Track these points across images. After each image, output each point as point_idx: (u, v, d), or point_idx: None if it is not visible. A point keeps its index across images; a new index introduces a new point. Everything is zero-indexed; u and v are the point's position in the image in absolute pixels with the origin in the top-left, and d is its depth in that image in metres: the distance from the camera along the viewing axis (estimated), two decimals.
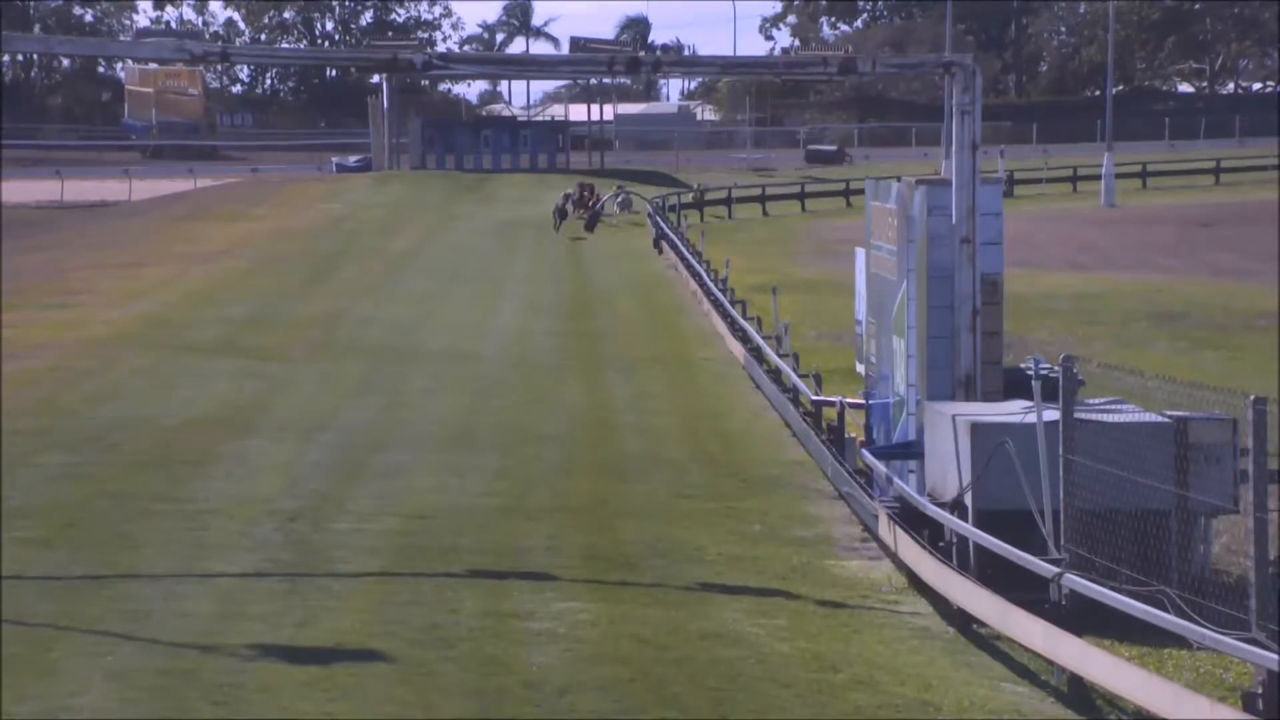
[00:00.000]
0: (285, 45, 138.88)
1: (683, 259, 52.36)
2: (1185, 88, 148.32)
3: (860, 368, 25.84)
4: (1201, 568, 17.46)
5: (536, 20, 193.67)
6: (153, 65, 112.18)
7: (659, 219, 63.37)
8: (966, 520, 18.19)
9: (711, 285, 43.98)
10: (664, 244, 59.34)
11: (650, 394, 32.20)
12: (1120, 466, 15.63)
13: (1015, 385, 20.81)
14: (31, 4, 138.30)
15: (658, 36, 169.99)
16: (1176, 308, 44.56)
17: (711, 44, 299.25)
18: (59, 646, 15.29)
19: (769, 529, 21.48)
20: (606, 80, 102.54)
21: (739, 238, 65.51)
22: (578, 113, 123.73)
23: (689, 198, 76.33)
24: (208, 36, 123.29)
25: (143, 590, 17.35)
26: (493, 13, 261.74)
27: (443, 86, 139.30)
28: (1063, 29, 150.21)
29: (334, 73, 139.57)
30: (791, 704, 14.35)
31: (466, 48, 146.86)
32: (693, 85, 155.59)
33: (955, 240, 21.67)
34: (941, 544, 18.62)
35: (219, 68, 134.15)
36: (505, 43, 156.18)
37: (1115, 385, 17.14)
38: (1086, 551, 15.47)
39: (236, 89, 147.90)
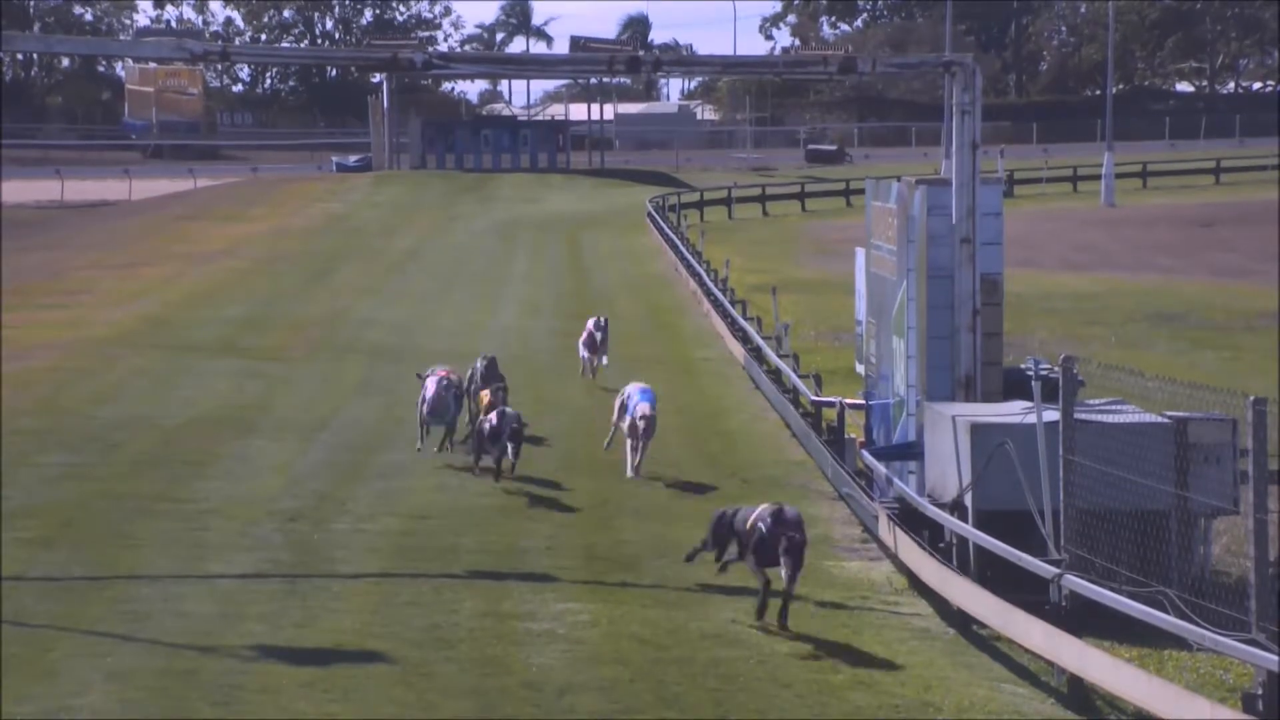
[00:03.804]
0: (285, 45, 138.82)
1: None
2: (1185, 87, 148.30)
3: (860, 368, 25.83)
4: (1201, 568, 17.47)
5: (536, 20, 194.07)
6: (152, 65, 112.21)
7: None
8: (966, 521, 18.19)
9: (711, 285, 43.96)
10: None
11: None
12: (1120, 467, 15.64)
13: (1015, 386, 20.81)
14: (31, 3, 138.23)
15: (657, 36, 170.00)
16: (1176, 308, 44.55)
17: (711, 44, 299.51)
18: (59, 647, 15.28)
19: None
20: (607, 80, 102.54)
21: (739, 238, 65.48)
22: (578, 112, 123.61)
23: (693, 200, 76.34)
24: (208, 36, 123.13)
25: (143, 591, 17.34)
26: (492, 13, 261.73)
27: (443, 86, 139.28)
28: (1063, 29, 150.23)
29: (334, 72, 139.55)
30: (791, 704, 14.35)
31: (467, 47, 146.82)
32: (693, 85, 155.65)
33: (955, 240, 21.67)
34: (941, 545, 18.63)
35: (219, 67, 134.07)
36: (505, 42, 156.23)
37: (1115, 385, 17.12)
38: (1086, 552, 15.46)
39: (237, 89, 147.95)
